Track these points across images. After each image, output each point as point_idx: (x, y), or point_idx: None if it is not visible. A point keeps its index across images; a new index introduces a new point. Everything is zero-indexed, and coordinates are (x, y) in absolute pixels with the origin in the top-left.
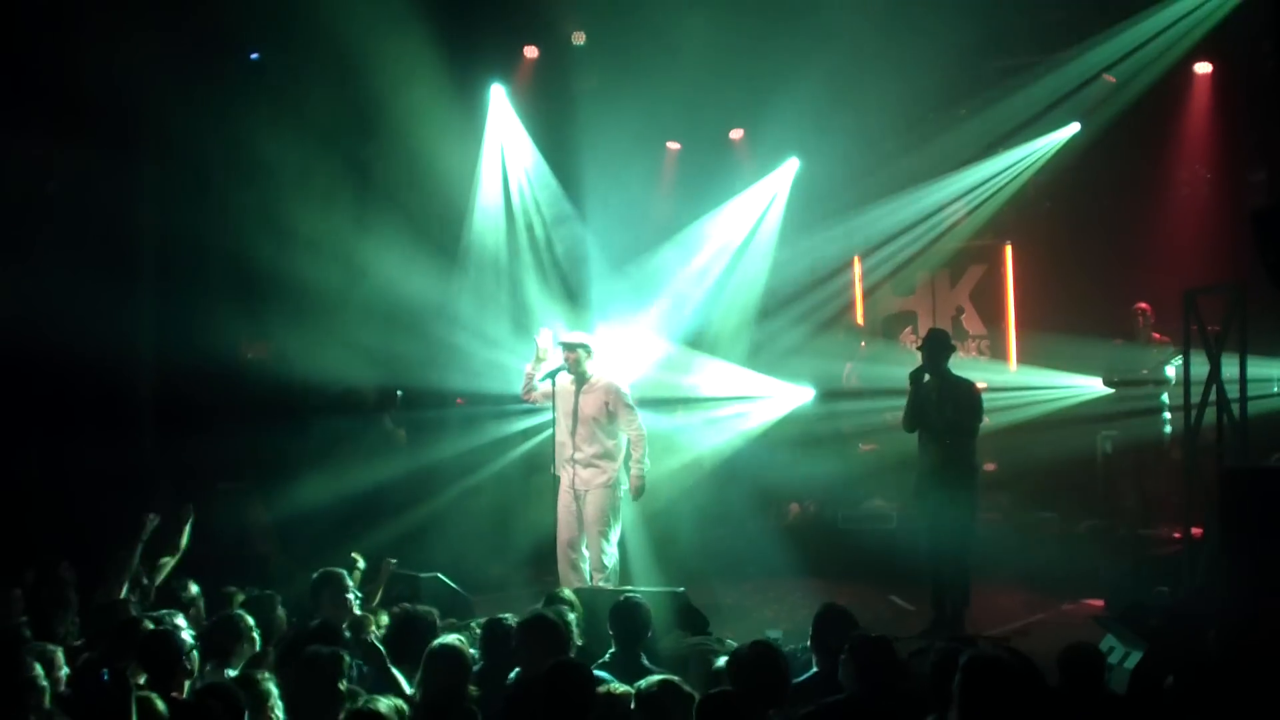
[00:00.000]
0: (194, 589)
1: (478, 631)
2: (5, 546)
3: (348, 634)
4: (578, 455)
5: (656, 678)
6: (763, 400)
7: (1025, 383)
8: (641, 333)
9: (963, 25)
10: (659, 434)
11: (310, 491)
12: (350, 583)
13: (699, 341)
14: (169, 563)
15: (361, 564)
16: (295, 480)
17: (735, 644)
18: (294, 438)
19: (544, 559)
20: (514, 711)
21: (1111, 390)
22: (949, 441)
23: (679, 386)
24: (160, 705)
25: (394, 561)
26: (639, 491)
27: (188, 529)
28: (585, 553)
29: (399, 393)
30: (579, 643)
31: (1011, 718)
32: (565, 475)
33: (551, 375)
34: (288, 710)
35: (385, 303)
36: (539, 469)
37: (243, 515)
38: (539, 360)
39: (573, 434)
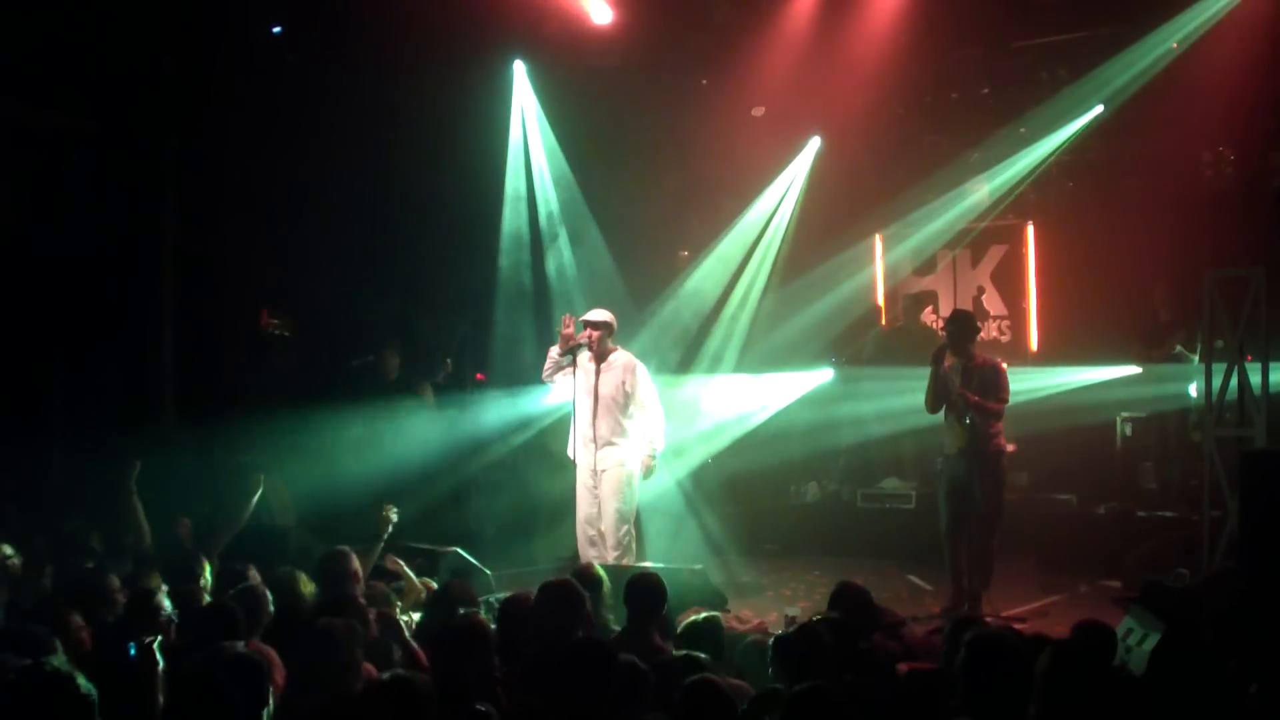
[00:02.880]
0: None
1: (496, 607)
2: (25, 517)
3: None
4: (596, 435)
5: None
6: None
7: (1046, 363)
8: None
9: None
10: (680, 408)
11: (331, 465)
12: (356, 564)
13: (733, 361)
14: (226, 538)
15: (395, 516)
16: (316, 454)
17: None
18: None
19: (563, 536)
20: (533, 683)
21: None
22: (972, 422)
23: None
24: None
25: (394, 509)
26: (648, 471)
27: (254, 501)
28: (603, 531)
29: (448, 360)
30: (611, 619)
31: (1015, 694)
32: (583, 455)
33: (572, 353)
34: (302, 683)
35: (412, 280)
36: (558, 446)
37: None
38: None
39: (591, 414)
